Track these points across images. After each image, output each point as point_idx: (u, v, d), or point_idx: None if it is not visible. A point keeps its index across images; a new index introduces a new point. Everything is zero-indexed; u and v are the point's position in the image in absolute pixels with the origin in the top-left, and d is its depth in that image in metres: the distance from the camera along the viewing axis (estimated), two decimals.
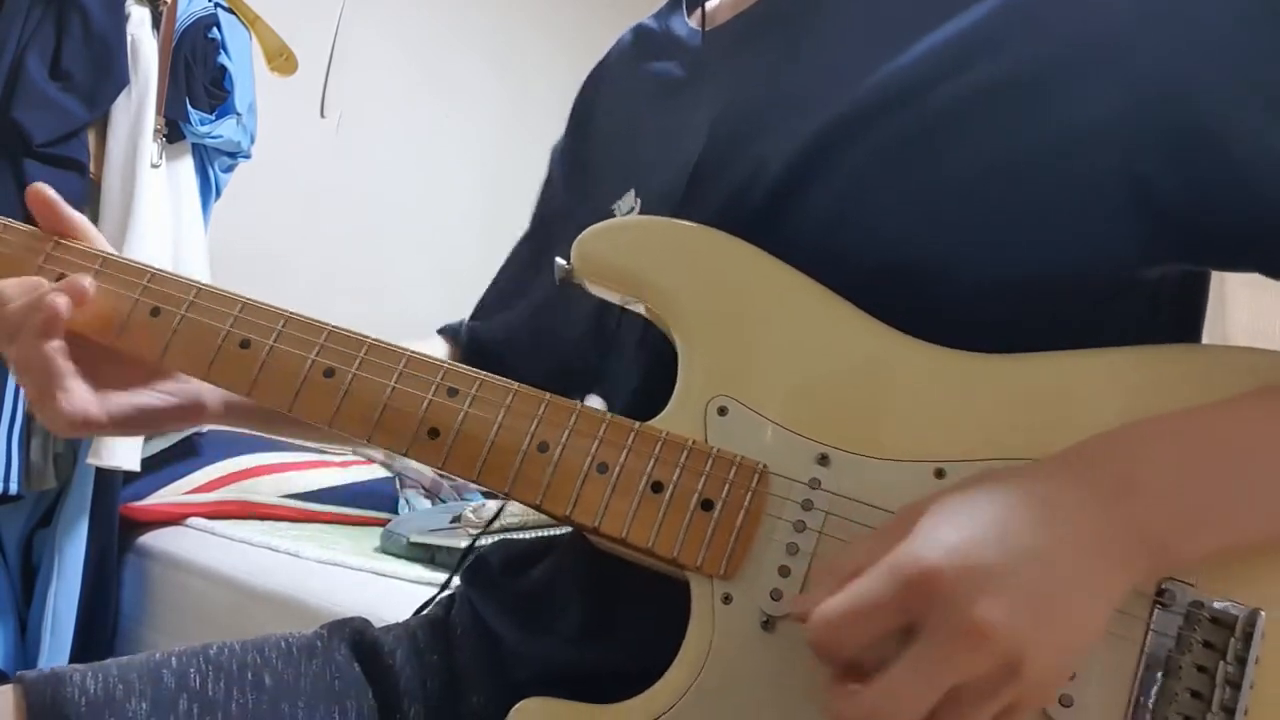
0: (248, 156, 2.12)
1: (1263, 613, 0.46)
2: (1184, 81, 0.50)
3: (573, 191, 0.79)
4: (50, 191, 0.65)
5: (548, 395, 0.55)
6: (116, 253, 0.65)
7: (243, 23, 2.10)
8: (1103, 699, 0.47)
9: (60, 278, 0.62)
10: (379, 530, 1.89)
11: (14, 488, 1.69)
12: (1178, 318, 0.59)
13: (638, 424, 0.53)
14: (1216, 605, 0.47)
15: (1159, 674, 0.46)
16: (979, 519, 0.44)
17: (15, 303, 0.60)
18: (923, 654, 0.42)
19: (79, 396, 0.61)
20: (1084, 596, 0.43)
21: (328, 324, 0.59)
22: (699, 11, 0.72)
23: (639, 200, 0.66)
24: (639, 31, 0.79)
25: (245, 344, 0.59)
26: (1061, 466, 0.47)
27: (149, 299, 0.61)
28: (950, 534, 0.43)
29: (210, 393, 0.69)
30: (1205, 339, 0.62)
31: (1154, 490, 0.46)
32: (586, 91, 0.82)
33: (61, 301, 0.59)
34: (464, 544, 1.63)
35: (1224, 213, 0.51)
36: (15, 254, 0.64)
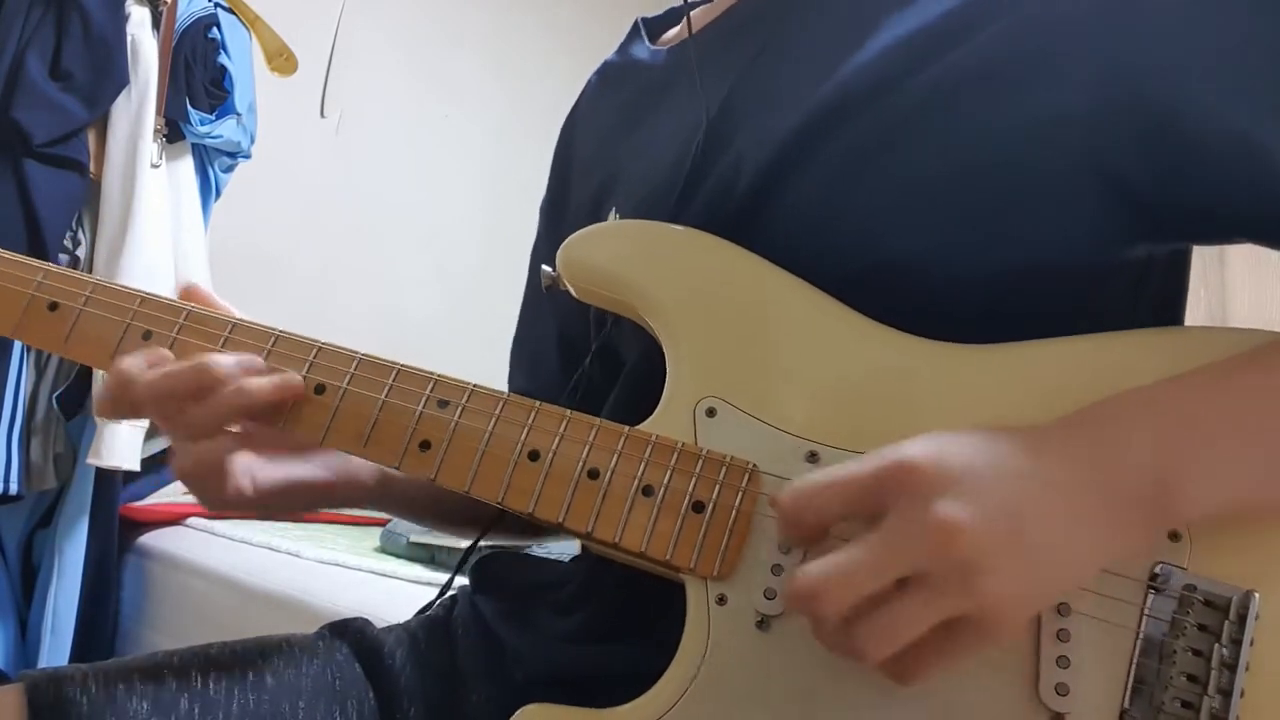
0: (248, 156, 2.12)
1: (1256, 594, 0.46)
2: (1143, 65, 0.51)
3: (555, 238, 0.79)
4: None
5: (537, 403, 0.55)
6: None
7: (243, 23, 2.10)
8: (1099, 685, 0.46)
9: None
10: (379, 530, 1.89)
11: (14, 488, 1.69)
12: (1159, 300, 0.60)
13: (627, 428, 0.53)
14: (1210, 588, 0.47)
15: (1155, 658, 0.46)
16: (968, 441, 0.45)
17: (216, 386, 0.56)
18: (879, 538, 0.42)
19: (238, 471, 0.59)
20: (1058, 535, 0.43)
21: (317, 341, 0.59)
22: (671, 32, 0.74)
23: (617, 216, 0.67)
24: (603, 70, 0.81)
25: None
26: (1056, 424, 0.47)
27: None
28: (937, 441, 0.44)
29: (367, 469, 0.67)
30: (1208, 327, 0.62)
31: (1146, 450, 0.46)
32: (562, 140, 0.83)
33: (265, 390, 0.56)
34: (464, 544, 1.64)
35: (1190, 192, 0.51)
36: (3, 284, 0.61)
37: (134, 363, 0.57)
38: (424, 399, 0.56)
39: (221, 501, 0.60)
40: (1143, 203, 0.52)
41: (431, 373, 0.56)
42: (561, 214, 0.78)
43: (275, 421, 0.57)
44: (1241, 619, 0.46)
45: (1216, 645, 0.46)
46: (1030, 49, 0.52)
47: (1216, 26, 0.51)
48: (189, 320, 0.60)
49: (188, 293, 0.63)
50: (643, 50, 0.76)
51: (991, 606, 0.42)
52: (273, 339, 0.59)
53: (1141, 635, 0.47)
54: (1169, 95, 0.50)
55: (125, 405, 0.57)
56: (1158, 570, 0.47)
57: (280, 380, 0.57)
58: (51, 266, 0.62)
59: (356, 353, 0.58)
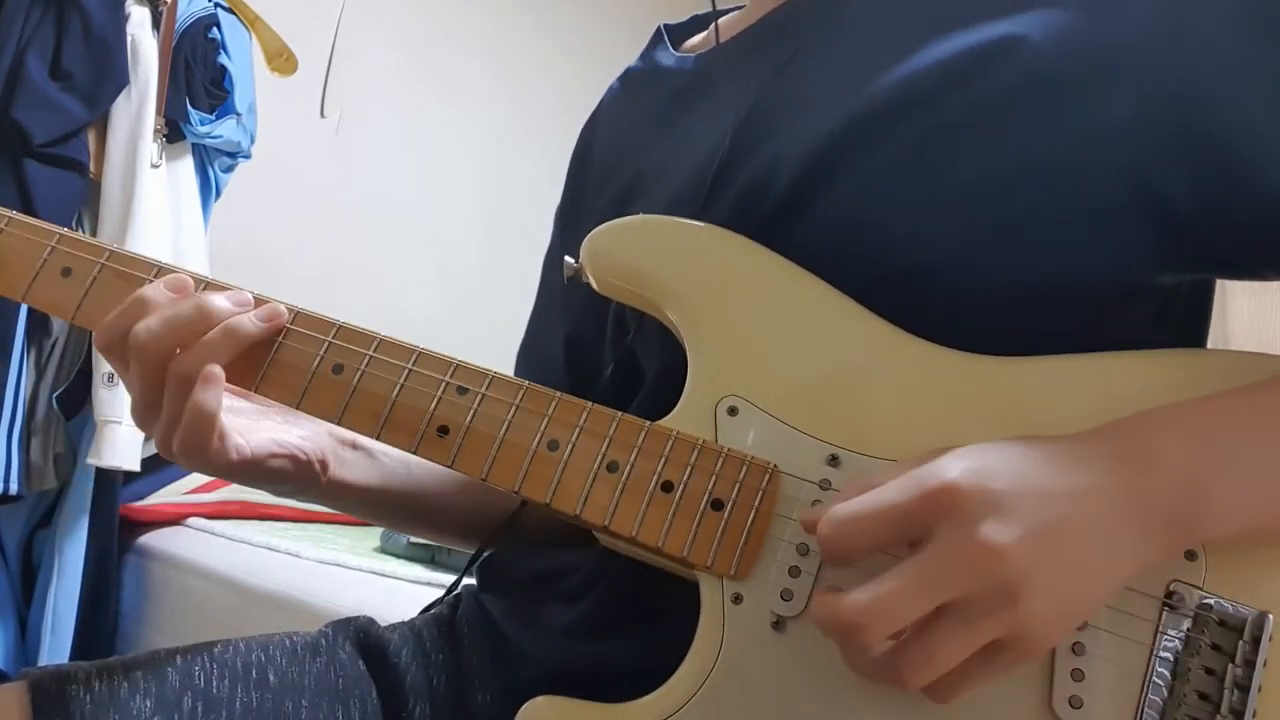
0: (248, 156, 2.12)
1: (1271, 615, 0.46)
2: (1194, 87, 0.50)
3: (572, 242, 0.79)
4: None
5: (558, 394, 0.55)
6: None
7: (243, 23, 2.10)
8: (1112, 700, 0.46)
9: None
10: (379, 530, 1.88)
11: (14, 488, 1.69)
12: (1182, 327, 0.59)
13: (648, 423, 0.53)
14: (1225, 607, 0.47)
15: (1167, 676, 0.46)
16: (1005, 458, 0.44)
17: (173, 312, 0.55)
18: (921, 562, 0.42)
19: (229, 430, 0.58)
20: (1094, 552, 0.43)
21: (337, 320, 0.59)
22: (696, 39, 0.73)
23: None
24: (626, 76, 0.81)
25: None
26: (1087, 436, 0.47)
27: None
28: (975, 460, 0.44)
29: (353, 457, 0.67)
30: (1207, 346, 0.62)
31: (1169, 465, 0.46)
32: (581, 144, 0.83)
33: (255, 323, 0.56)
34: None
35: (1233, 218, 0.51)
36: (18, 246, 0.61)
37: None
38: (443, 384, 0.56)
39: (222, 465, 0.59)
40: (1182, 227, 0.52)
41: (452, 358, 0.56)
42: (580, 217, 0.78)
43: (244, 372, 0.56)
44: (1256, 640, 0.46)
45: (1230, 665, 0.46)
46: (1082, 65, 0.52)
47: (1271, 55, 0.50)
48: (208, 290, 0.59)
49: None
50: (668, 57, 0.76)
51: (1033, 627, 0.42)
52: (292, 315, 0.59)
53: (1155, 653, 0.47)
54: (1218, 121, 0.50)
55: (121, 353, 0.56)
56: (1173, 588, 0.47)
57: (267, 310, 0.57)
58: (66, 231, 0.61)
59: (377, 334, 0.58)
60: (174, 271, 0.60)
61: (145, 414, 0.58)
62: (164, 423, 0.57)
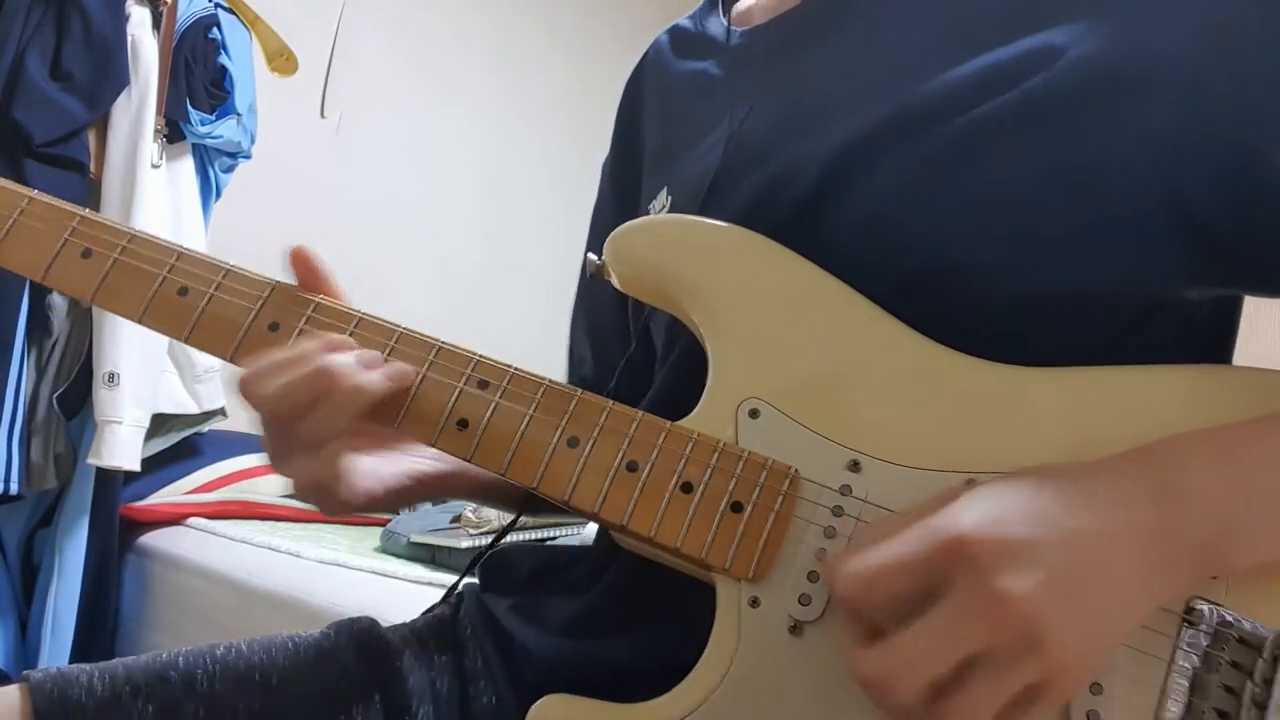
0: (248, 156, 2.12)
1: None
2: (1232, 103, 0.50)
3: (620, 196, 0.79)
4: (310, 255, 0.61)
5: (579, 391, 0.55)
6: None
7: (243, 23, 2.09)
8: (1129, 716, 0.46)
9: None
10: (379, 530, 1.88)
11: (14, 488, 1.69)
12: (1208, 343, 0.59)
13: (669, 423, 0.53)
14: (1245, 625, 0.46)
15: (1185, 693, 0.46)
16: (1020, 499, 0.44)
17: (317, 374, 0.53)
18: (940, 616, 0.42)
19: (361, 472, 0.59)
20: (1118, 588, 0.43)
21: (358, 311, 0.58)
22: (744, 4, 0.72)
23: (670, 199, 0.66)
24: (674, 32, 0.79)
25: (274, 326, 0.58)
26: (1108, 467, 0.47)
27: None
28: (988, 507, 0.44)
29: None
30: (1235, 360, 0.62)
31: (1202, 497, 0.46)
32: (626, 100, 0.82)
33: (378, 385, 0.53)
34: (464, 544, 1.64)
35: (1264, 234, 0.51)
36: (49, 229, 0.60)
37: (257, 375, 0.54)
38: (465, 377, 0.55)
39: (350, 507, 0.59)
40: (1212, 241, 0.52)
41: (473, 353, 0.56)
42: (625, 177, 0.77)
43: (391, 418, 0.55)
44: (1275, 659, 0.46)
45: (1249, 684, 0.46)
46: (1119, 76, 0.52)
47: None
48: (227, 279, 0.59)
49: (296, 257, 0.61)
50: (717, 26, 0.74)
51: (1061, 666, 0.42)
52: (312, 305, 0.58)
53: (1173, 669, 0.46)
54: (1251, 137, 0.50)
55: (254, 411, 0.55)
56: (1194, 604, 0.47)
57: (392, 371, 0.55)
58: (88, 213, 0.61)
59: (397, 326, 0.57)
60: (195, 256, 0.59)
61: (279, 466, 0.58)
62: (297, 474, 0.57)
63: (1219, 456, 0.47)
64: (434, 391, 0.55)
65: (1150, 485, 0.46)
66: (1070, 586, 0.42)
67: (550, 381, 0.55)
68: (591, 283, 0.59)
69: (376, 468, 0.62)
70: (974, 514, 0.43)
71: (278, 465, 0.57)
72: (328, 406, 0.53)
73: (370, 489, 0.60)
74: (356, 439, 0.61)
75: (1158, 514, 0.45)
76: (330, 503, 0.59)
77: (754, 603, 0.50)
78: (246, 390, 0.54)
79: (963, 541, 0.42)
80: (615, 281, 0.58)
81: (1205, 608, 0.47)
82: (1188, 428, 0.48)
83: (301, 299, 0.59)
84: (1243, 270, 0.53)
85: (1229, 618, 0.46)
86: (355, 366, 0.54)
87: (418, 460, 0.65)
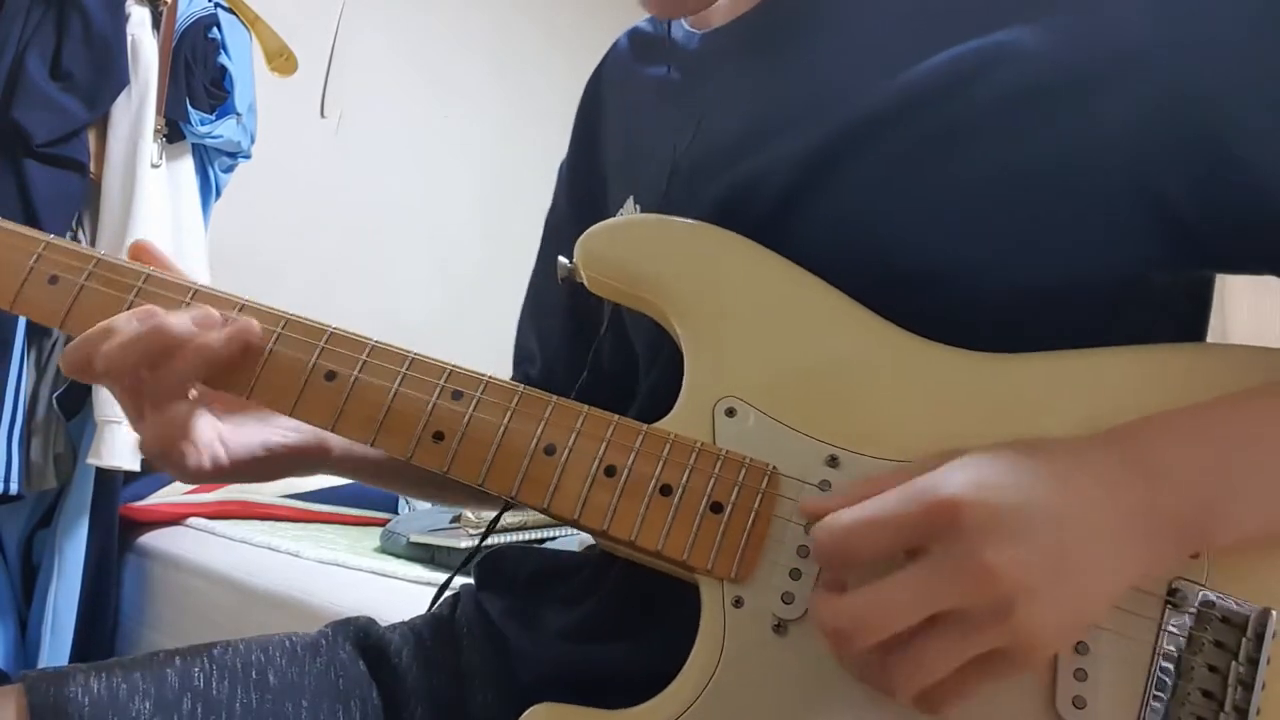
0: (248, 156, 2.12)
1: (1274, 612, 0.46)
2: (1192, 87, 0.50)
3: (578, 202, 0.79)
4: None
5: (554, 397, 0.54)
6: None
7: (243, 23, 2.10)
8: (1116, 699, 0.46)
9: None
10: (379, 530, 1.88)
11: (14, 488, 1.69)
12: (1184, 324, 0.59)
13: (646, 426, 0.53)
14: (1228, 604, 0.47)
15: (1171, 674, 0.46)
16: (1008, 469, 0.44)
17: (131, 336, 0.54)
18: (920, 573, 0.42)
19: (206, 440, 0.60)
20: (1098, 563, 0.43)
21: (329, 325, 0.58)
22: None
23: (637, 207, 0.66)
24: (634, 36, 0.79)
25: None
26: (1091, 444, 0.47)
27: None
28: (978, 473, 0.43)
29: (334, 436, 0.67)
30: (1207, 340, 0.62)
31: (1182, 473, 0.46)
32: (586, 102, 0.82)
33: (223, 344, 0.55)
34: (464, 544, 1.64)
35: (1235, 218, 0.51)
36: (4, 253, 0.60)
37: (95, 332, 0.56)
38: (438, 389, 0.55)
39: (196, 473, 0.60)
40: (1183, 225, 0.52)
41: (445, 363, 0.56)
42: (584, 182, 0.78)
43: (235, 381, 0.56)
44: (1259, 637, 0.46)
45: (1233, 663, 0.46)
46: (1081, 68, 0.52)
47: (1271, 52, 0.50)
48: (197, 299, 0.59)
49: (137, 250, 0.62)
50: (678, 28, 0.74)
51: (1029, 638, 0.42)
52: (283, 322, 0.58)
53: (1158, 651, 0.46)
54: (1217, 121, 0.50)
55: (89, 378, 0.57)
56: (1176, 585, 0.47)
57: (235, 329, 0.55)
58: (53, 238, 0.61)
59: (369, 339, 0.57)
60: (160, 278, 0.59)
61: (134, 426, 0.60)
62: (144, 435, 0.59)
63: (1197, 433, 0.47)
64: (408, 404, 0.55)
65: (1133, 462, 0.46)
66: (1053, 561, 0.42)
67: (525, 388, 0.55)
68: (547, 285, 0.59)
69: (226, 436, 0.62)
70: (962, 478, 0.43)
71: (134, 425, 0.59)
72: (165, 367, 0.55)
73: (217, 456, 0.61)
74: (215, 406, 0.62)
75: (1141, 496, 0.45)
76: (179, 468, 0.60)
77: (738, 603, 0.50)
78: (81, 351, 0.55)
79: (950, 506, 0.42)
80: (587, 284, 0.57)
81: (1187, 588, 0.47)
82: (1160, 408, 0.48)
83: (275, 316, 0.58)
84: (1213, 250, 0.53)
85: (1211, 598, 0.47)
86: (191, 328, 0.55)
87: (274, 430, 0.65)
